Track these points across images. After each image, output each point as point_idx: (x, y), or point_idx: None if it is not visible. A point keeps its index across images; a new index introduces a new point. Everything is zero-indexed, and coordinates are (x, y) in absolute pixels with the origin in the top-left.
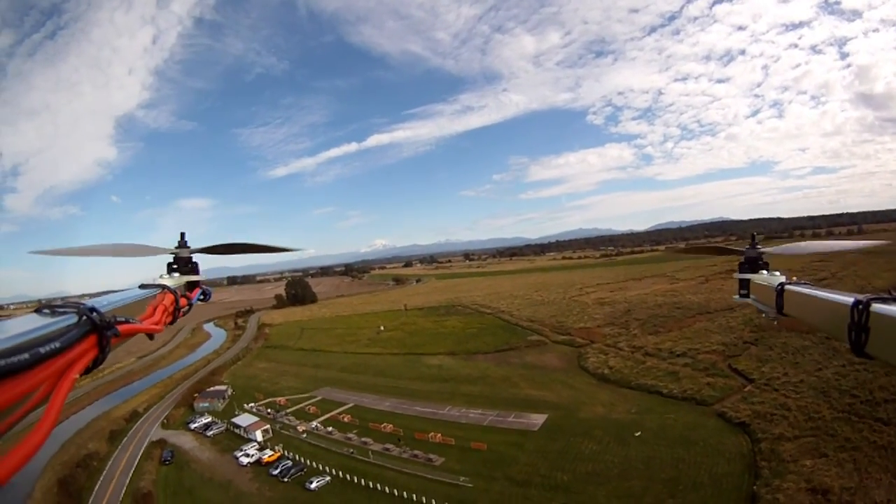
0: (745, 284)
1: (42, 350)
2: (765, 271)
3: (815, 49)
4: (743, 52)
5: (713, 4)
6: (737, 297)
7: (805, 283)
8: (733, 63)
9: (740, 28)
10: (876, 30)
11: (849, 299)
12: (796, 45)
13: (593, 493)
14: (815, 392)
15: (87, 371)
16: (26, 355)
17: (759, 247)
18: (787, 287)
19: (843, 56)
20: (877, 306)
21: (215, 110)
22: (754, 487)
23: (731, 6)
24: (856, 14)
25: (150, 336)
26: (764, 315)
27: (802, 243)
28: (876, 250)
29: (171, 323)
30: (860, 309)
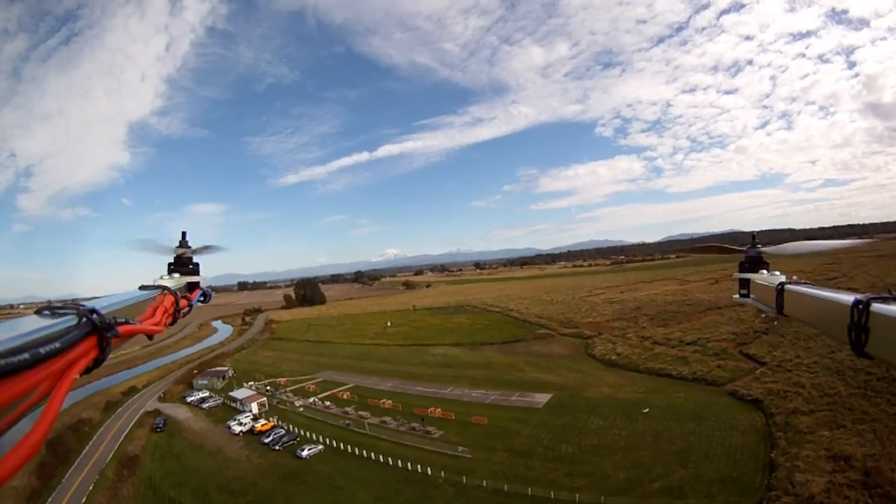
0: (745, 284)
1: (42, 350)
2: (765, 271)
3: (822, 58)
4: (751, 63)
5: (720, 15)
6: (737, 296)
7: (805, 283)
8: (741, 74)
9: (748, 38)
10: (883, 38)
11: (849, 299)
12: (804, 55)
13: (599, 464)
14: (829, 372)
15: (88, 371)
16: (26, 355)
17: (759, 246)
18: (787, 287)
19: (851, 65)
20: (877, 306)
21: (227, 118)
22: (772, 455)
23: (739, 16)
24: (863, 23)
25: (150, 336)
26: (764, 315)
27: (801, 243)
28: (888, 252)
29: (172, 324)
30: (860, 309)
